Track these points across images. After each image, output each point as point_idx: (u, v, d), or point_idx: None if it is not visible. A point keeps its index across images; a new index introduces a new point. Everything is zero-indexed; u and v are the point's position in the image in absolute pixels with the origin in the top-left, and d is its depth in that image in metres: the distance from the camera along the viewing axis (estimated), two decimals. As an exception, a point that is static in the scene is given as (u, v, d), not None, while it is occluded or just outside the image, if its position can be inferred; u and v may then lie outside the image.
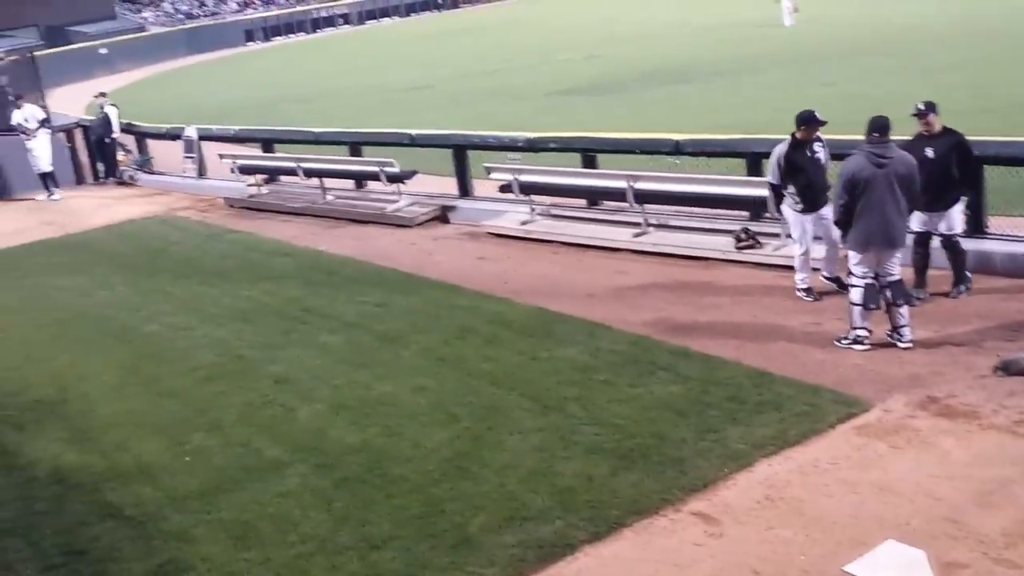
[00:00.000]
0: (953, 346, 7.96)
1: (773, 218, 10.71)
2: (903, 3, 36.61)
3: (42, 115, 20.60)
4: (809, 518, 5.85)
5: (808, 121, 9.22)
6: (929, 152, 8.64)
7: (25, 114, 20.20)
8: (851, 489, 6.10)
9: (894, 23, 31.25)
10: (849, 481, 6.18)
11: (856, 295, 8.07)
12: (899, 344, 8.04)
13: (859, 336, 8.10)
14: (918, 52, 24.67)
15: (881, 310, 8.12)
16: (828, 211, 9.11)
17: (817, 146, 9.29)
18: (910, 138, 8.79)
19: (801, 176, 9.31)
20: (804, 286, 9.52)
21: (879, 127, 7.92)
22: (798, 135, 9.27)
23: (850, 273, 8.17)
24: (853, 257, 8.10)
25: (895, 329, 8.10)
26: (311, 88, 36.87)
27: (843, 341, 8.17)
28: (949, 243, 8.98)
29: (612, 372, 8.17)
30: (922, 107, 8.77)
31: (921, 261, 9.07)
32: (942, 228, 8.93)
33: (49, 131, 20.71)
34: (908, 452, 6.45)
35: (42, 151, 20.37)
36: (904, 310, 8.06)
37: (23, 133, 20.21)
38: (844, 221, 8.07)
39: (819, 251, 9.60)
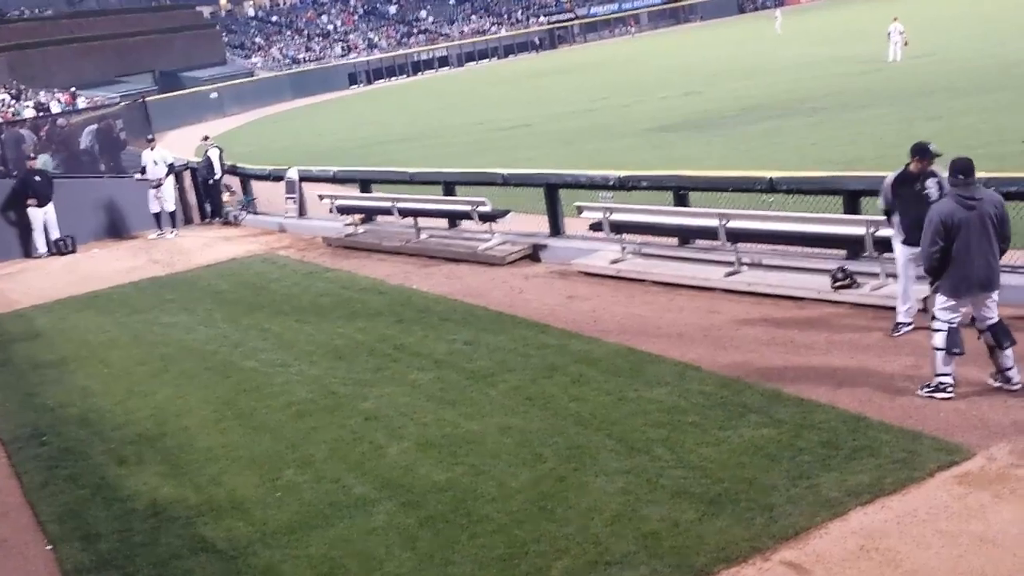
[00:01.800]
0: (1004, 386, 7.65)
1: (871, 257, 10.45)
2: (1018, 38, 35.58)
3: (171, 158, 21.51)
4: (906, 571, 5.62)
5: (919, 152, 8.90)
6: None
7: (155, 156, 21.14)
8: (951, 541, 5.84)
9: (1007, 58, 30.30)
10: (949, 532, 5.92)
11: (939, 339, 7.74)
12: (1008, 388, 7.71)
13: (942, 383, 7.75)
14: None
15: (982, 354, 7.79)
16: None
17: (931, 182, 8.86)
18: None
19: (905, 208, 9.07)
20: (899, 319, 9.28)
21: (963, 169, 7.65)
22: (911, 167, 8.99)
23: (934, 317, 7.86)
24: (942, 301, 7.79)
25: (1001, 372, 7.77)
26: (411, 129, 37.62)
27: (925, 389, 7.84)
28: None
29: (701, 414, 8.03)
30: None
31: None
32: None
33: (173, 173, 21.63)
34: (1012, 503, 6.15)
35: (168, 192, 21.34)
36: (1010, 351, 7.72)
37: (142, 172, 21.08)
38: (937, 268, 7.75)
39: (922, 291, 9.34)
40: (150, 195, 21.15)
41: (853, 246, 10.86)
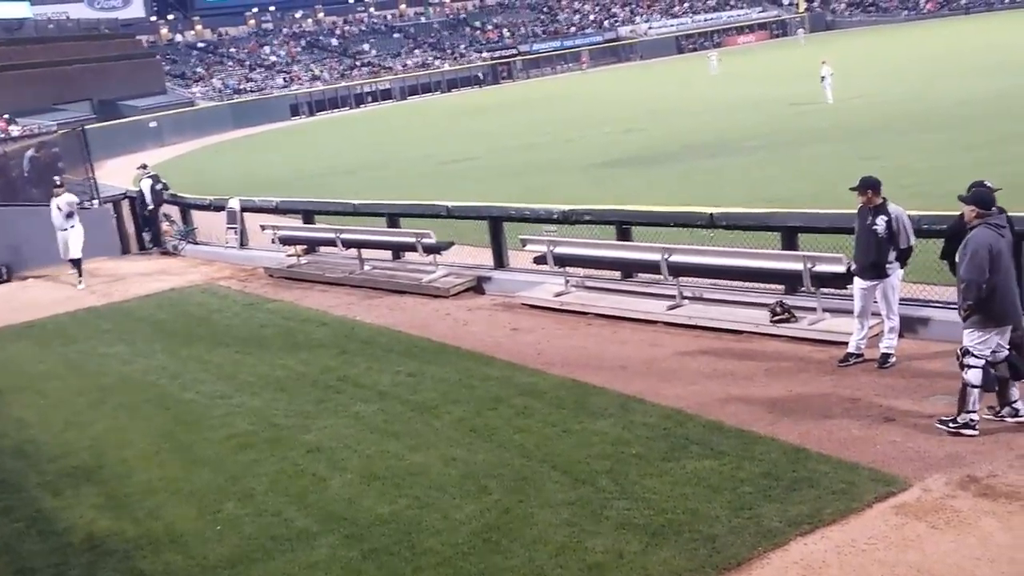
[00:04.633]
0: (994, 424, 7.80)
1: (809, 291, 10.68)
2: (948, 80, 36.68)
3: (76, 202, 19.59)
4: (845, 599, 5.72)
5: (864, 186, 9.17)
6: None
7: (58, 202, 19.07)
8: (889, 570, 5.95)
9: (941, 100, 31.19)
10: (887, 562, 6.04)
11: (975, 376, 7.55)
12: (1018, 420, 7.70)
13: (973, 420, 7.59)
14: (966, 127, 24.57)
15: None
16: (880, 283, 9.18)
17: (880, 218, 9.07)
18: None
19: (856, 240, 9.35)
20: (850, 350, 9.48)
21: (992, 198, 7.66)
22: (859, 199, 9.25)
23: (967, 353, 7.61)
24: (978, 335, 7.58)
25: (1008, 405, 7.72)
26: (354, 161, 37.54)
27: (950, 424, 7.63)
28: None
29: (644, 446, 8.10)
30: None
31: None
32: None
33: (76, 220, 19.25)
34: (948, 533, 6.30)
35: (75, 238, 19.11)
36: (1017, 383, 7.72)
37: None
38: (984, 301, 7.47)
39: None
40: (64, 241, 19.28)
41: (791, 281, 11.08)
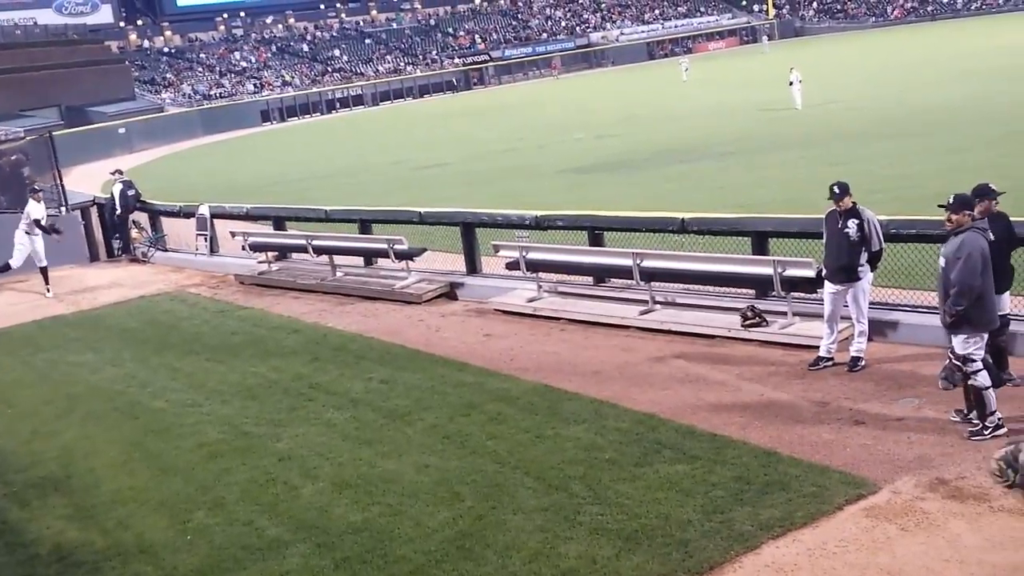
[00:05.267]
0: (962, 427, 7.86)
1: (779, 296, 10.74)
2: (920, 87, 37.02)
3: (40, 213, 19.06)
4: (816, 602, 5.74)
5: (835, 195, 9.26)
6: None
7: (36, 210, 18.82)
8: (860, 573, 5.99)
9: (911, 106, 31.47)
10: (858, 565, 6.08)
11: (984, 378, 7.57)
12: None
13: (999, 418, 7.58)
14: (934, 133, 24.79)
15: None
16: (850, 287, 9.24)
17: (851, 222, 9.15)
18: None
19: (826, 243, 9.41)
20: (821, 354, 9.53)
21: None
22: (833, 204, 9.33)
23: (967, 359, 7.62)
24: (973, 341, 7.60)
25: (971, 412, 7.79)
26: (326, 167, 37.37)
27: (985, 432, 7.57)
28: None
29: (617, 451, 8.11)
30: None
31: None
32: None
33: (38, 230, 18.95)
34: (918, 535, 6.35)
35: (39, 246, 18.92)
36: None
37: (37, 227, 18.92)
38: (973, 307, 7.51)
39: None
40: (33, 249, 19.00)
41: (762, 285, 11.14)
